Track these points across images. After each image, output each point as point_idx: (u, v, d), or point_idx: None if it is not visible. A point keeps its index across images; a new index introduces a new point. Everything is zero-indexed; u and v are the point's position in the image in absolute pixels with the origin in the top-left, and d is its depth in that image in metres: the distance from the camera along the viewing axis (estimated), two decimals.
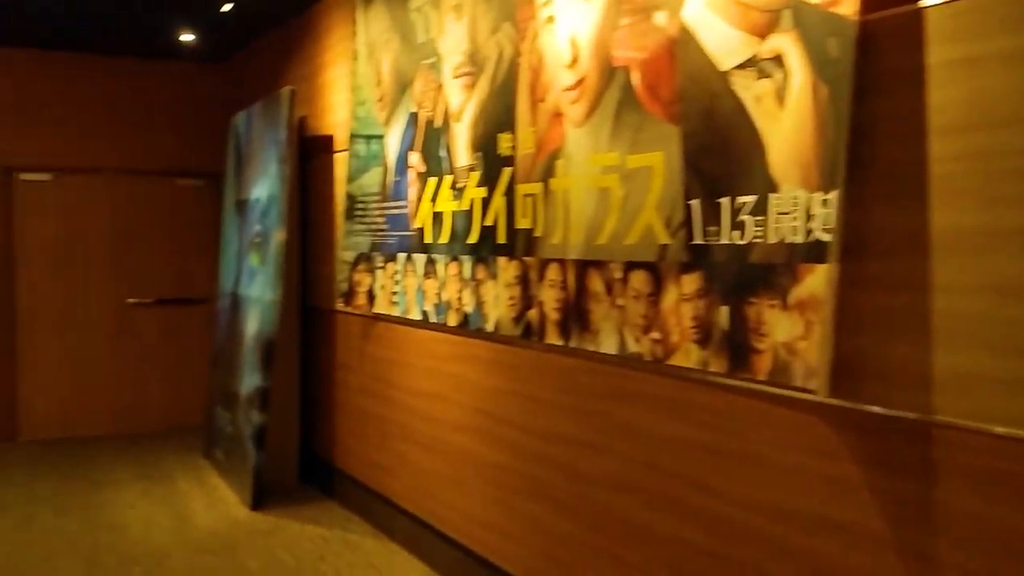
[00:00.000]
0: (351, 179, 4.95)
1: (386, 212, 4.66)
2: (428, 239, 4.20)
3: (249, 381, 5.49)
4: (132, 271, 7.54)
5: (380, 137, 4.71)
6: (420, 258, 4.29)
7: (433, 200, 4.15)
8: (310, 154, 5.62)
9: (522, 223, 3.44)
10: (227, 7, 5.28)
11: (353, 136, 4.93)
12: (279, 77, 6.24)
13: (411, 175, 4.37)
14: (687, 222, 2.60)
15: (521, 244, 3.45)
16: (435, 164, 4.14)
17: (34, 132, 7.08)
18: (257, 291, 5.54)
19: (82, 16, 5.96)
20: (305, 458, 5.81)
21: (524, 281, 3.43)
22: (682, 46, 2.62)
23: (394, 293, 4.57)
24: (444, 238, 4.05)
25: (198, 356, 7.76)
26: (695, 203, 2.57)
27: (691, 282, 2.59)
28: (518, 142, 3.47)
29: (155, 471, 6.15)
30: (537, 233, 3.34)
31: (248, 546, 4.61)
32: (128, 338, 7.53)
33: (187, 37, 5.98)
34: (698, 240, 2.56)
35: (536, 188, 3.34)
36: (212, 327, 7.70)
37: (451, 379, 4.08)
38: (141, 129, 7.42)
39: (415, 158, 4.33)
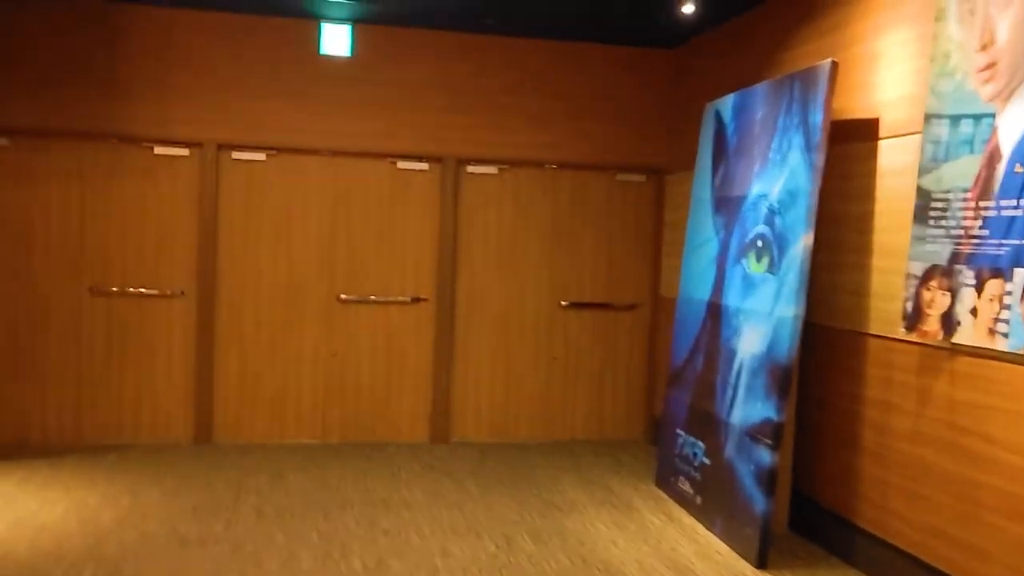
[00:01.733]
0: (924, 171, 3.91)
1: (985, 213, 3.58)
2: None
3: (749, 410, 4.64)
4: (566, 272, 7.06)
5: (980, 116, 3.63)
6: None
7: None
8: (830, 141, 4.65)
9: None
10: None
11: (930, 117, 3.89)
12: (768, 56, 5.35)
13: None
14: None
15: None
16: None
17: (484, 123, 6.78)
18: (761, 303, 4.67)
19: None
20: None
21: None
22: None
23: (999, 320, 3.47)
24: None
25: (622, 366, 7.15)
26: None
27: None
28: None
29: (610, 496, 5.51)
30: None
31: None
32: (559, 342, 7.07)
33: (688, 8, 5.25)
34: None
35: None
36: (653, 336, 7.02)
37: None
38: (585, 120, 6.91)
39: None
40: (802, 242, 4.36)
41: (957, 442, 3.74)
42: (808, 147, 4.41)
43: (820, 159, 4.33)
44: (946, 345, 3.79)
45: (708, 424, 5.13)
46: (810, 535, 4.78)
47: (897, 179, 4.19)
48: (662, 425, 5.85)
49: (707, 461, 5.09)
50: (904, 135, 4.15)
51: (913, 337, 3.93)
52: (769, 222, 4.71)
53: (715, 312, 5.24)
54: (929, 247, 3.86)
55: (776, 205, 4.65)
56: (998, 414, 3.52)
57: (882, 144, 4.33)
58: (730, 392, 4.90)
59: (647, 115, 7.00)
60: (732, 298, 5.04)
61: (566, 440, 7.07)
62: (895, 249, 4.18)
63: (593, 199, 7.09)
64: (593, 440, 7.11)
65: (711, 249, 5.43)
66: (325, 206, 6.69)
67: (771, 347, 4.51)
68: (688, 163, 6.61)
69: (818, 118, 4.35)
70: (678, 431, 5.55)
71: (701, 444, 5.19)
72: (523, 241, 6.99)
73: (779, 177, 4.67)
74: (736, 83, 5.61)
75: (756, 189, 4.91)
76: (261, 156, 6.58)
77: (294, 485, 5.51)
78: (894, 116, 4.25)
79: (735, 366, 4.89)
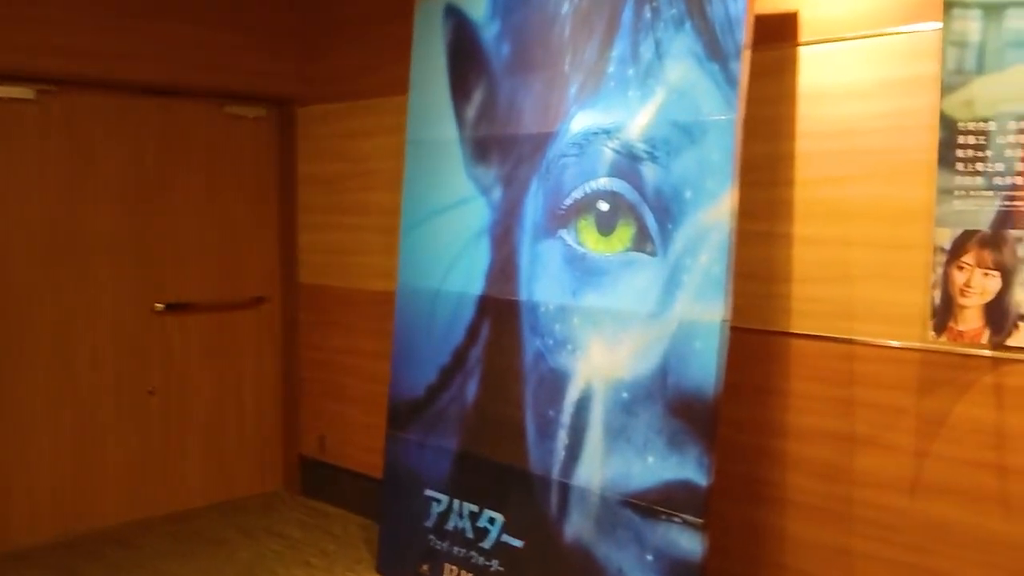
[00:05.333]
0: (948, 89, 2.58)
1: None
2: None
3: (622, 466, 2.98)
4: (159, 257, 4.56)
5: None
6: None
7: None
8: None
9: None
10: None
11: (952, 5, 2.56)
12: None
13: None
14: None
15: None
16: None
17: (9, 12, 3.92)
18: (629, 300, 3.00)
19: None
20: None
21: None
22: None
23: None
24: None
25: (249, 389, 4.95)
26: None
27: None
28: None
29: None
30: None
31: None
32: (155, 366, 4.57)
33: None
34: None
35: None
36: (291, 341, 4.84)
37: None
38: (178, 19, 4.42)
39: None
40: (722, 204, 2.78)
41: (1011, 492, 2.55)
42: (714, 54, 2.82)
43: (742, 75, 2.77)
44: (986, 351, 2.56)
45: (510, 485, 3.35)
46: None
47: (844, 106, 2.84)
48: (390, 483, 3.88)
49: (516, 543, 3.32)
50: (857, 37, 2.79)
51: (942, 342, 2.62)
52: (627, 174, 3.03)
53: (502, 313, 3.43)
54: (962, 206, 2.57)
55: (644, 147, 2.99)
56: None
57: (805, 52, 2.93)
58: (563, 436, 3.18)
59: (271, 19, 4.73)
60: (544, 291, 3.28)
61: (181, 511, 4.64)
62: (843, 209, 2.85)
63: (194, 144, 4.65)
64: (220, 503, 4.79)
65: (473, 217, 3.56)
66: None
67: (668, 369, 2.88)
68: (334, 91, 4.65)
69: (737, 7, 2.77)
70: (430, 493, 3.66)
71: (496, 516, 3.39)
72: (88, 213, 4.31)
73: (644, 102, 3.00)
74: None
75: (583, 122, 3.18)
76: None
77: None
78: (829, 9, 2.86)
79: (568, 396, 3.16)
